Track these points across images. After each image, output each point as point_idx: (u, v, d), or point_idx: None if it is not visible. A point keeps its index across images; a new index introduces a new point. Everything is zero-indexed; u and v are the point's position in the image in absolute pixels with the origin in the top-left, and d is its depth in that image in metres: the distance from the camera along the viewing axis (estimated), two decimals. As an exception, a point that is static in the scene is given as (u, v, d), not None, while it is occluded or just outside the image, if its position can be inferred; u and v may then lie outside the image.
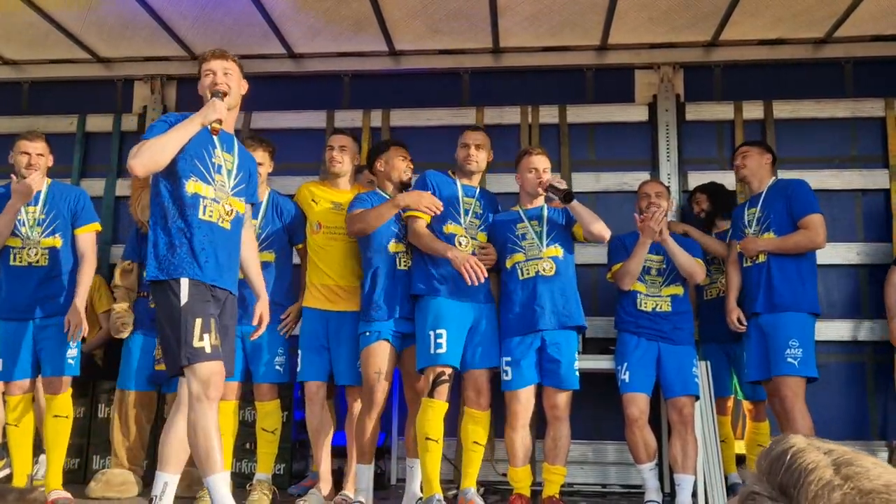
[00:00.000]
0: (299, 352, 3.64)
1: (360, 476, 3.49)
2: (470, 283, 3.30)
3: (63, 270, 3.62)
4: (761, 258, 3.69)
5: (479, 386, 3.50)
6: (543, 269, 3.54)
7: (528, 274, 3.55)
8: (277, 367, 3.67)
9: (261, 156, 3.68)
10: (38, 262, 3.57)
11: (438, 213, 3.46)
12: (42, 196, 3.64)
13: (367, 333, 3.47)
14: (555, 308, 3.51)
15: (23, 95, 5.35)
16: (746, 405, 4.08)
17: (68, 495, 3.49)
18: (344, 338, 3.61)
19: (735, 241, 3.88)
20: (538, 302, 3.50)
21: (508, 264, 3.61)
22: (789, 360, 3.48)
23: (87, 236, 3.70)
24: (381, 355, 3.44)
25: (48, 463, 3.56)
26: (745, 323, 3.72)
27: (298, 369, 3.63)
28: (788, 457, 0.79)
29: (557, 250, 3.58)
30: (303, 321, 3.69)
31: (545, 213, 3.67)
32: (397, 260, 3.57)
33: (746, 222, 3.80)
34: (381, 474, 3.89)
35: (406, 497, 3.54)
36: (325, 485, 3.58)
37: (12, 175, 3.59)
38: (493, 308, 3.62)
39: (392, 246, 3.57)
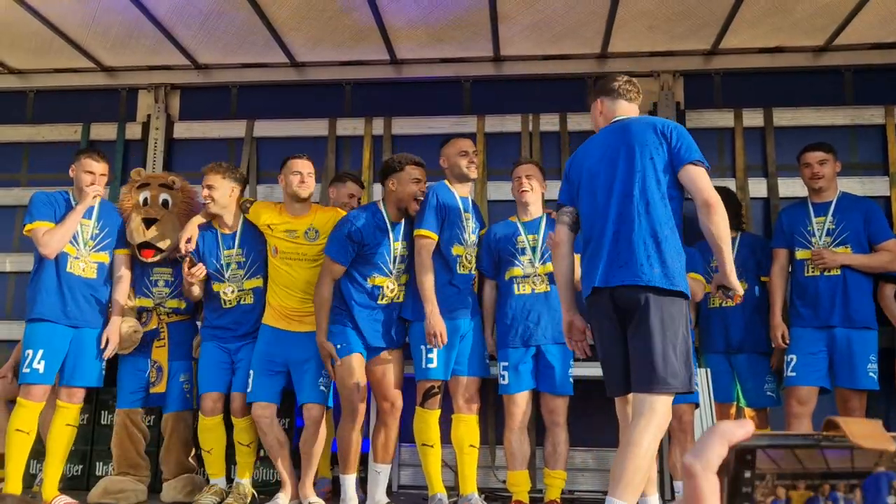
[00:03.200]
0: (251, 371, 3.65)
1: (346, 486, 3.54)
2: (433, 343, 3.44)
3: (105, 286, 3.78)
4: (834, 271, 3.71)
5: (468, 393, 3.62)
6: (538, 287, 3.63)
7: (524, 290, 3.64)
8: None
9: (211, 179, 3.75)
10: (86, 273, 3.69)
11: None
12: (95, 212, 3.78)
13: (339, 346, 3.52)
14: (549, 325, 3.60)
15: (28, 104, 5.40)
16: (748, 413, 4.08)
17: (72, 500, 3.54)
18: (306, 357, 3.62)
19: (785, 250, 3.85)
20: (533, 318, 3.61)
21: (506, 276, 3.70)
22: (870, 374, 3.63)
23: (126, 257, 3.87)
24: (355, 367, 3.51)
25: (51, 472, 3.59)
26: (788, 341, 3.75)
27: (248, 390, 3.63)
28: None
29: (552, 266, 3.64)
30: (259, 340, 3.69)
31: (543, 226, 3.71)
32: (379, 294, 3.60)
33: (814, 231, 3.79)
34: (365, 479, 3.92)
35: (368, 502, 3.61)
36: (288, 488, 3.65)
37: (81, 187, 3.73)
38: (480, 322, 3.73)
39: (372, 279, 3.59)
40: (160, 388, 3.87)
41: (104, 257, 3.79)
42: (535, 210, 3.78)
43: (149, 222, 3.92)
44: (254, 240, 3.80)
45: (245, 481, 3.71)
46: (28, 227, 3.66)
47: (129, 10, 4.34)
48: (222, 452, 3.76)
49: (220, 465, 3.75)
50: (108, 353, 3.72)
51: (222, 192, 3.75)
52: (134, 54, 5.01)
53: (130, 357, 3.90)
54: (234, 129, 5.13)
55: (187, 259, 3.66)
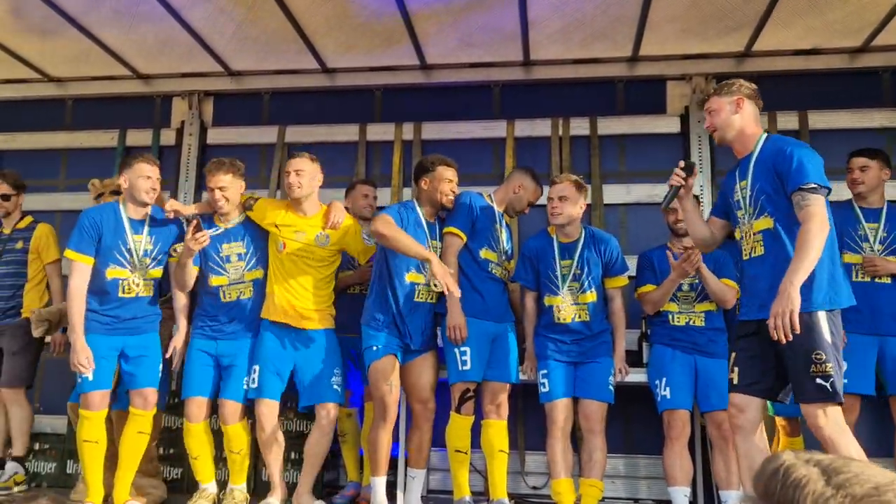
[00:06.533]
0: (255, 367, 3.59)
1: (375, 488, 3.52)
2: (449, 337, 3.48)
3: (157, 298, 3.70)
4: (885, 278, 3.66)
5: (498, 399, 3.60)
6: (579, 316, 3.63)
7: (565, 319, 3.63)
8: (246, 388, 3.62)
9: (222, 179, 3.62)
10: (143, 292, 3.59)
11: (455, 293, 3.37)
12: (147, 226, 3.63)
13: (375, 348, 3.51)
14: (586, 347, 3.63)
15: (66, 111, 5.54)
16: (780, 421, 4.00)
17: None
18: (318, 357, 3.59)
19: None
20: (573, 343, 3.62)
21: (546, 302, 3.69)
22: None
23: None
24: (389, 368, 3.50)
25: (121, 477, 3.56)
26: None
27: (255, 386, 3.57)
28: (781, 475, 0.82)
29: (593, 295, 3.65)
30: (263, 337, 3.62)
31: (581, 249, 3.68)
32: (415, 291, 3.58)
33: (866, 236, 3.73)
34: (394, 483, 3.89)
35: None
36: (278, 491, 3.61)
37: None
38: (513, 326, 3.72)
39: (410, 276, 3.58)
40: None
41: (159, 273, 3.65)
42: (574, 232, 3.73)
43: None
44: (255, 233, 3.70)
45: (240, 487, 3.64)
46: (67, 252, 3.55)
47: (164, 18, 4.42)
48: (209, 457, 3.68)
49: (208, 470, 3.67)
50: (176, 364, 3.69)
51: (233, 190, 3.65)
52: (168, 62, 5.10)
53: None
54: (266, 134, 5.20)
55: (194, 223, 3.46)
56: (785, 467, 0.82)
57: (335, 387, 3.58)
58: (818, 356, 2.54)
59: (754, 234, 2.78)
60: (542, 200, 3.85)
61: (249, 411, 3.67)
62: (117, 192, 3.98)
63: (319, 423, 3.59)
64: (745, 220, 2.83)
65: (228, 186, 3.64)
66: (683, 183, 3.01)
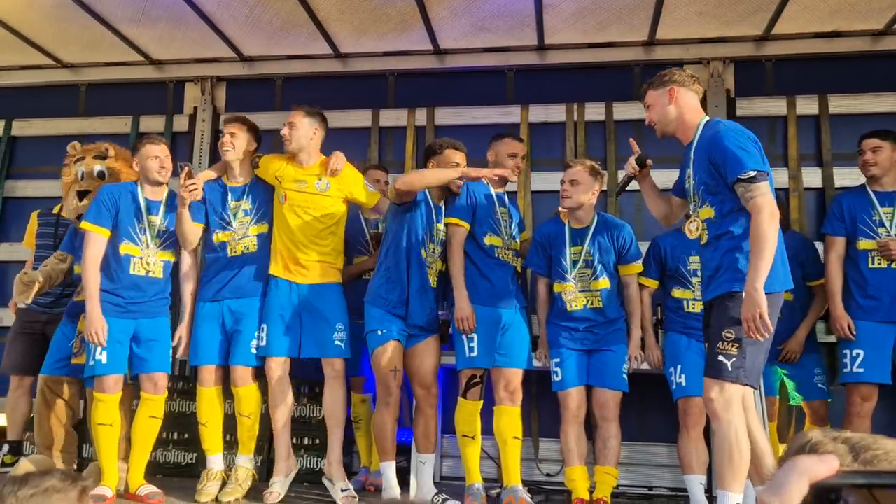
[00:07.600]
0: (264, 325, 3.61)
1: (386, 473, 3.52)
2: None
3: (169, 282, 3.73)
4: None
5: (511, 385, 3.57)
6: (591, 303, 3.60)
7: (577, 306, 3.61)
8: (254, 350, 3.64)
9: (234, 127, 3.73)
10: (153, 272, 3.63)
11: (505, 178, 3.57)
12: (162, 207, 3.69)
13: (379, 332, 3.50)
14: (600, 335, 3.60)
15: (80, 97, 5.54)
16: (807, 408, 3.94)
17: (156, 489, 3.55)
18: (321, 313, 3.58)
19: (843, 238, 3.73)
20: (586, 331, 3.60)
21: (556, 289, 3.66)
22: None
23: (193, 251, 3.80)
24: (393, 353, 3.50)
25: (135, 461, 3.60)
26: (855, 331, 3.63)
27: (263, 344, 3.60)
28: (807, 451, 0.81)
29: (606, 282, 3.61)
30: (270, 293, 3.65)
31: (592, 235, 3.63)
32: (427, 271, 3.58)
33: (881, 221, 3.68)
34: (406, 469, 3.87)
35: (418, 493, 3.57)
36: (284, 464, 3.61)
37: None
38: (525, 312, 3.70)
39: (424, 254, 3.57)
40: (80, 359, 3.76)
41: (171, 255, 3.70)
42: (587, 218, 3.68)
43: (82, 195, 3.89)
44: (261, 189, 3.75)
45: (245, 460, 3.66)
46: (83, 223, 3.61)
47: (176, 3, 4.41)
48: (219, 426, 3.70)
49: (215, 439, 3.67)
50: (181, 353, 3.73)
51: (242, 141, 3.72)
52: (181, 47, 5.09)
53: (63, 326, 3.89)
54: (279, 120, 5.11)
55: (185, 170, 3.53)
56: (811, 444, 0.81)
57: (337, 342, 3.57)
58: (727, 334, 2.58)
59: (701, 223, 2.82)
60: (557, 186, 3.81)
61: (260, 374, 3.69)
62: (101, 157, 4.02)
63: (328, 379, 3.60)
64: (693, 209, 2.88)
65: (238, 134, 3.73)
66: (636, 173, 3.11)
